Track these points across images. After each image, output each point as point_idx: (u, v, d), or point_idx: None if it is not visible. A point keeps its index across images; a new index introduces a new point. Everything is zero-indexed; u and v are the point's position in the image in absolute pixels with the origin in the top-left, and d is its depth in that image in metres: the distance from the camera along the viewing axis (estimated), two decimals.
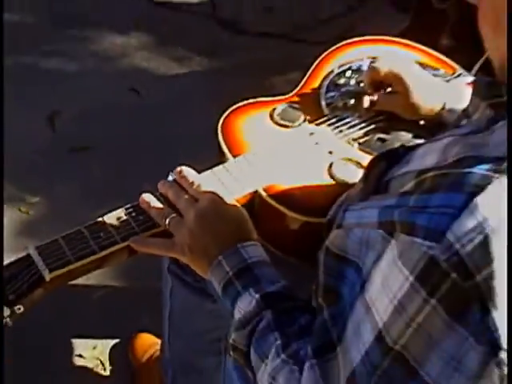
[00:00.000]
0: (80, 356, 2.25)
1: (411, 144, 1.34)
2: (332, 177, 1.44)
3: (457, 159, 0.95)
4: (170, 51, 3.27)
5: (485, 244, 0.84)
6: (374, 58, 1.71)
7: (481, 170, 0.89)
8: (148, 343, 2.21)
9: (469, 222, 0.85)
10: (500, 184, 0.86)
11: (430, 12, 2.77)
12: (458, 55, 2.41)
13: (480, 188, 0.87)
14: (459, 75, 1.74)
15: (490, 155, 0.91)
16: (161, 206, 1.32)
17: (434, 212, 0.88)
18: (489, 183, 0.86)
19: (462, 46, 2.56)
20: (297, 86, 1.68)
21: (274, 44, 3.28)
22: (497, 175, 0.87)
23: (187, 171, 1.34)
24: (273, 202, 1.39)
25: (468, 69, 2.43)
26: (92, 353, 2.27)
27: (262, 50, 3.23)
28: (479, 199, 0.86)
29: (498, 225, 0.85)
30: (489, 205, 0.86)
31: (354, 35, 1.85)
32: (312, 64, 1.74)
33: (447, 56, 1.87)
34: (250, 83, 2.83)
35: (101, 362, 2.25)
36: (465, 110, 1.17)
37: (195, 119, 2.69)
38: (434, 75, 1.69)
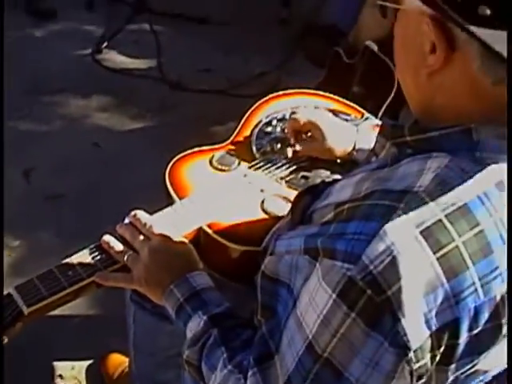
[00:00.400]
0: (60, 376, 2.21)
1: (330, 180, 1.35)
2: (265, 211, 1.45)
3: (367, 192, 0.96)
4: (125, 110, 3.25)
5: (393, 264, 0.86)
6: (294, 108, 1.73)
7: (386, 201, 0.90)
8: (118, 362, 2.18)
9: (379, 246, 0.87)
10: (403, 213, 0.88)
11: (342, 66, 2.80)
12: (367, 100, 2.45)
13: (387, 217, 0.88)
14: (366, 119, 1.75)
15: (394, 188, 0.93)
16: (120, 245, 1.31)
17: (350, 238, 0.89)
18: (394, 212, 0.88)
19: (370, 92, 2.60)
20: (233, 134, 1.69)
21: (213, 99, 3.28)
22: (401, 205, 0.89)
23: (140, 214, 1.34)
24: (215, 236, 1.39)
25: (376, 111, 2.47)
26: (71, 373, 2.22)
27: (204, 104, 3.23)
28: (387, 227, 0.87)
29: (404, 247, 0.86)
30: (395, 231, 0.87)
31: (281, 88, 1.87)
32: (244, 115, 1.75)
33: (358, 101, 1.89)
34: (194, 134, 2.82)
35: (79, 380, 2.21)
36: (373, 149, 1.18)
37: (148, 168, 2.67)
38: (346, 120, 1.71)
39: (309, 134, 1.59)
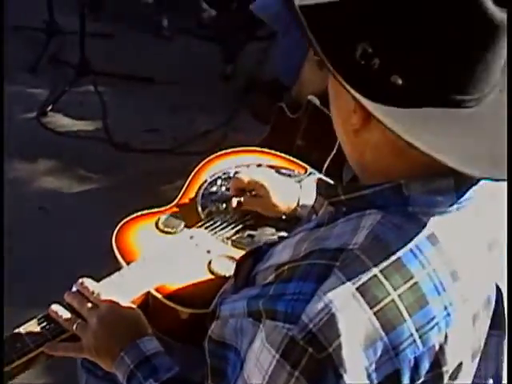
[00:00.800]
0: None
1: (273, 241, 1.37)
2: (212, 272, 1.47)
3: (306, 253, 0.99)
4: (72, 173, 3.25)
5: (332, 321, 0.89)
6: (238, 167, 1.76)
7: (323, 260, 0.94)
8: None
9: (318, 305, 0.90)
10: (340, 271, 0.91)
11: (286, 121, 2.85)
12: (312, 153, 2.51)
13: (324, 276, 0.91)
14: (310, 174, 1.80)
15: (330, 247, 0.96)
16: (68, 314, 1.31)
17: (290, 299, 0.92)
18: (331, 271, 0.91)
19: (314, 146, 2.66)
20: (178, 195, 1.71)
21: (160, 158, 3.31)
22: (337, 263, 0.92)
23: (88, 282, 1.35)
24: (164, 300, 1.40)
25: (321, 164, 2.52)
26: None
27: (151, 164, 3.25)
28: (324, 285, 0.91)
29: (341, 305, 0.90)
30: (333, 289, 0.91)
31: (227, 145, 1.91)
32: (191, 173, 1.78)
33: (303, 155, 1.94)
34: (142, 195, 2.85)
35: None
36: (313, 207, 1.22)
37: (96, 231, 2.67)
38: (289, 176, 1.75)
39: (253, 192, 1.62)
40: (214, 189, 1.70)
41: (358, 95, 0.89)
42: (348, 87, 0.89)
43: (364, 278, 0.91)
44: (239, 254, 1.46)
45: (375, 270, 0.91)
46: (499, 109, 0.95)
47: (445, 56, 0.89)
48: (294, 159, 1.87)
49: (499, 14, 0.86)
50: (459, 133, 0.91)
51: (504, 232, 1.07)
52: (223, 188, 1.70)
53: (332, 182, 1.33)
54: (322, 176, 1.79)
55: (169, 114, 3.65)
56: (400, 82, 0.89)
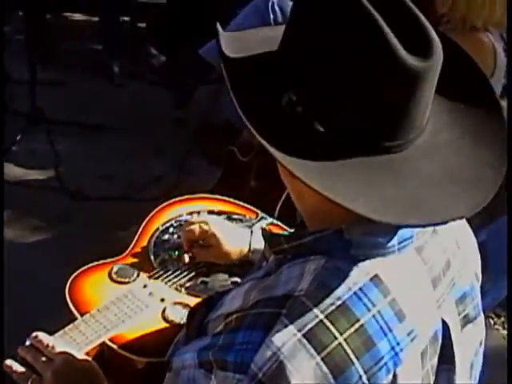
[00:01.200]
0: None
1: (225, 289, 1.39)
2: (166, 320, 1.49)
3: (254, 302, 1.01)
4: (26, 223, 3.24)
5: (281, 369, 0.91)
6: (189, 215, 1.79)
7: (271, 309, 0.96)
8: None
9: (266, 354, 0.92)
10: (286, 318, 0.94)
11: (237, 164, 2.89)
12: (265, 195, 2.54)
13: (272, 324, 0.94)
14: (261, 218, 1.83)
15: (277, 294, 0.99)
16: (22, 368, 1.31)
17: (239, 348, 0.94)
18: (278, 319, 0.94)
19: (267, 187, 2.69)
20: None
21: (114, 205, 3.31)
22: (284, 311, 0.95)
23: (42, 335, 1.35)
24: (119, 350, 1.41)
25: (274, 206, 2.56)
26: None
27: (105, 212, 3.25)
28: (272, 333, 0.93)
29: (289, 352, 0.92)
30: (280, 337, 0.93)
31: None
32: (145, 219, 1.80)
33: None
34: (97, 243, 2.84)
35: None
36: (263, 254, 1.24)
37: (52, 282, 2.65)
38: (240, 221, 1.78)
39: (205, 241, 1.65)
40: (166, 237, 1.73)
41: (265, 143, 0.93)
42: (258, 137, 0.93)
43: (310, 323, 0.93)
44: (193, 301, 1.48)
45: (321, 316, 0.93)
46: (429, 151, 0.99)
47: (363, 105, 0.94)
48: (245, 204, 1.90)
49: (414, 63, 0.91)
50: (378, 179, 0.95)
51: (453, 262, 1.11)
52: (175, 236, 1.72)
53: (280, 227, 1.36)
54: (272, 220, 1.82)
55: (122, 160, 3.67)
56: (321, 128, 0.94)
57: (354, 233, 0.99)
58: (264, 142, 0.93)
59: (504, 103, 3.91)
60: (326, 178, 0.92)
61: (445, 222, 0.95)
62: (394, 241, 1.01)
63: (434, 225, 0.97)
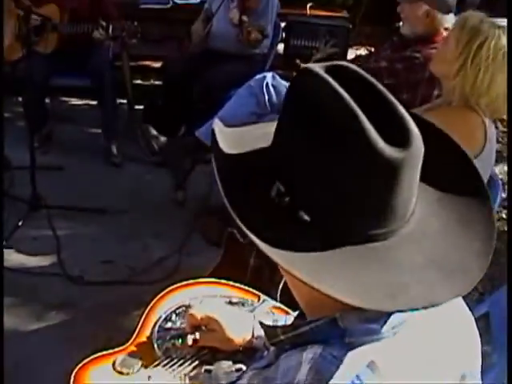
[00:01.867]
0: None
1: (229, 382, 1.40)
2: None
3: None
4: (28, 310, 3.23)
5: None
6: (192, 300, 1.80)
7: None
8: None
9: None
10: None
11: (238, 245, 2.91)
12: (266, 272, 2.56)
13: None
14: (263, 301, 1.84)
15: None
16: None
17: None
18: None
19: (267, 266, 2.71)
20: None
21: (116, 290, 3.32)
22: None
23: None
24: None
25: (276, 282, 2.57)
26: None
27: (107, 296, 3.25)
28: None
29: None
30: None
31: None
32: (147, 303, 1.81)
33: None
34: (100, 328, 2.86)
35: None
36: (265, 344, 1.26)
37: (55, 368, 2.65)
38: (242, 305, 1.79)
39: (208, 327, 1.66)
40: (169, 324, 1.74)
41: (249, 233, 0.97)
42: (244, 228, 0.98)
43: None
44: None
45: None
46: (415, 240, 1.02)
47: (344, 195, 0.98)
48: (246, 288, 1.92)
49: (392, 154, 0.95)
50: (362, 267, 0.98)
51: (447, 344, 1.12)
52: (178, 323, 1.74)
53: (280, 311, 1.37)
54: (274, 303, 1.84)
55: (122, 243, 3.70)
56: (306, 218, 0.98)
57: (348, 321, 1.02)
58: (249, 233, 0.97)
59: (497, 169, 3.97)
60: (311, 267, 0.96)
61: (425, 308, 0.97)
62: (388, 326, 1.03)
63: (414, 310, 0.99)
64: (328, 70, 1.00)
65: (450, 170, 1.12)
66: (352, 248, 0.99)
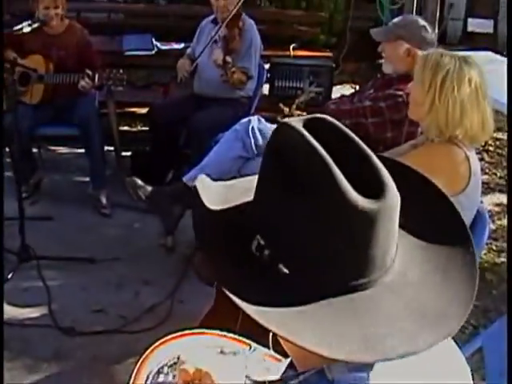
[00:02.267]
0: None
1: None
2: None
3: None
4: (20, 363, 3.20)
5: None
6: (184, 354, 1.79)
7: None
8: None
9: None
10: None
11: None
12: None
13: None
14: (254, 350, 1.84)
15: None
16: None
17: None
18: None
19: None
20: None
21: (108, 339, 3.29)
22: None
23: None
24: None
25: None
26: None
27: (99, 346, 3.23)
28: None
29: None
30: None
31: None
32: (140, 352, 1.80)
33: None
34: (94, 378, 2.84)
35: None
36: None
37: None
38: (234, 354, 1.79)
39: (200, 381, 1.65)
40: (162, 378, 1.73)
41: (226, 290, 0.98)
42: (222, 284, 0.99)
43: None
44: None
45: None
46: (396, 289, 1.02)
47: (319, 247, 0.99)
48: (238, 337, 1.91)
49: (366, 205, 0.96)
50: (339, 317, 0.98)
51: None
52: (170, 376, 1.73)
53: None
54: (266, 351, 1.83)
55: (114, 292, 3.68)
56: (285, 270, 0.98)
57: (335, 371, 1.02)
58: (226, 290, 0.97)
59: (485, 199, 3.98)
60: (282, 320, 0.96)
61: (401, 357, 0.97)
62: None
63: (389, 360, 0.99)
64: (305, 123, 1.02)
65: (432, 216, 1.13)
66: (330, 300, 0.99)
